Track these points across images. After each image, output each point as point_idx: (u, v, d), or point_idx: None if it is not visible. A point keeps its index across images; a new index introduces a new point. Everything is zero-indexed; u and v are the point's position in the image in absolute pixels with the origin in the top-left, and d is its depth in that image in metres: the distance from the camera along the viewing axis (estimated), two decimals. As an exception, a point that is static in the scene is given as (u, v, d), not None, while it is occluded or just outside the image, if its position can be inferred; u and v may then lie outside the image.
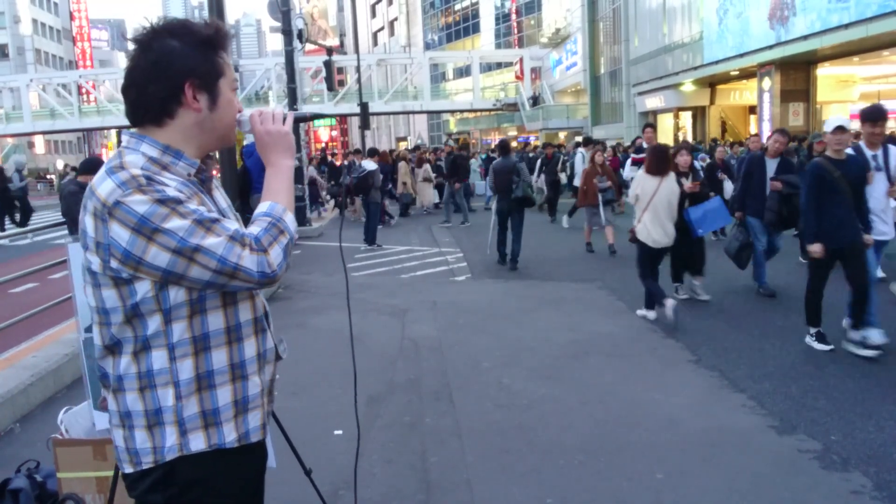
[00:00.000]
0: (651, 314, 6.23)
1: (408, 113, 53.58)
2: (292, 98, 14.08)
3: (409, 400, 4.45)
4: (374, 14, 74.81)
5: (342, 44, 68.41)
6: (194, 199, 1.43)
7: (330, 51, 24.00)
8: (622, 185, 11.30)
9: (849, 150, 5.22)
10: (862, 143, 5.72)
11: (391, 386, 4.71)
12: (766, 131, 20.94)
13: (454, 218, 15.15)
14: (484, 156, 22.25)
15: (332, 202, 19.23)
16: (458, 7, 58.52)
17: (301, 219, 13.51)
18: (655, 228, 6.16)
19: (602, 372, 4.90)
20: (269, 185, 1.57)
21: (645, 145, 10.39)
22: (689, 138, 26.66)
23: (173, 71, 1.46)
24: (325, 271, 9.38)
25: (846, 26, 16.80)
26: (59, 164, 45.24)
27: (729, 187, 10.15)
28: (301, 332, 6.09)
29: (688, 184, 6.60)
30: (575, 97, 41.74)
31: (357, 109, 27.83)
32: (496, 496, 3.20)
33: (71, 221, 5.78)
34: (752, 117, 26.46)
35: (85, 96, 49.33)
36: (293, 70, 14.26)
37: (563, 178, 15.69)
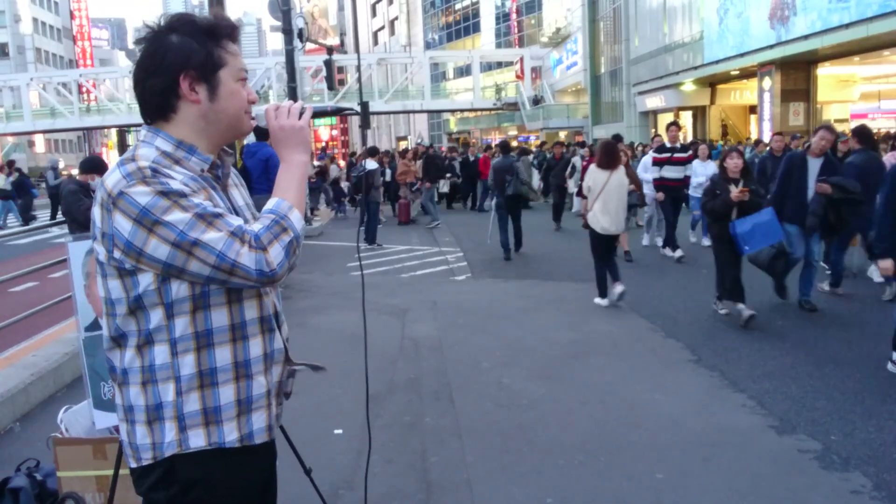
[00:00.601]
0: (604, 302, 6.78)
1: (408, 112, 53.56)
2: (292, 97, 14.10)
3: (409, 399, 4.45)
4: (374, 13, 74.80)
5: (342, 43, 68.40)
6: (201, 193, 1.42)
7: (330, 50, 23.98)
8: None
9: None
10: None
11: (391, 385, 4.71)
12: (767, 131, 20.95)
13: (423, 219, 15.08)
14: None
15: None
16: (458, 6, 58.49)
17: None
18: (604, 217, 6.69)
19: (602, 372, 4.90)
20: (279, 181, 1.54)
21: (667, 144, 9.63)
22: (690, 138, 26.64)
23: (167, 64, 1.46)
24: (325, 271, 9.38)
25: (847, 26, 16.80)
26: (60, 163, 45.24)
27: None
28: (301, 331, 6.09)
29: (735, 191, 5.87)
30: (575, 97, 41.73)
31: (357, 108, 27.83)
32: (496, 496, 3.20)
33: (70, 220, 5.77)
34: (753, 117, 26.47)
35: (85, 95, 49.33)
36: (293, 69, 14.27)
37: (570, 185, 13.54)
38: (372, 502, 3.17)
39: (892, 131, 15.18)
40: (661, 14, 28.26)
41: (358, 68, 28.74)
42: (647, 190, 9.74)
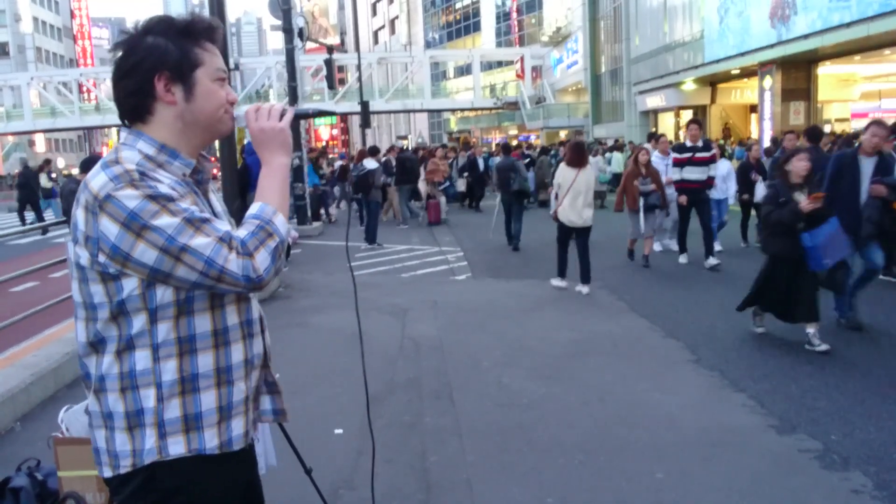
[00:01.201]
0: (563, 283, 7.60)
1: (408, 111, 53.57)
2: (293, 96, 14.09)
3: (409, 399, 4.46)
4: (374, 12, 74.78)
5: (343, 42, 68.42)
6: (188, 197, 1.40)
7: (330, 49, 23.98)
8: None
9: None
10: None
11: (391, 385, 4.71)
12: (767, 130, 20.95)
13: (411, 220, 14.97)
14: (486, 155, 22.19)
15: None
16: (458, 5, 58.48)
17: (302, 218, 13.50)
18: (571, 211, 7.34)
19: (602, 371, 4.90)
20: (262, 185, 1.52)
21: (688, 143, 8.76)
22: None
23: (142, 65, 1.45)
24: (325, 270, 9.38)
25: (847, 25, 16.78)
26: (60, 163, 45.20)
27: (761, 189, 9.08)
28: (302, 330, 6.09)
29: (803, 200, 5.03)
30: (576, 96, 41.72)
31: (358, 108, 27.82)
32: (496, 495, 3.20)
33: (71, 220, 5.78)
34: (753, 116, 26.45)
35: (86, 94, 49.32)
36: (294, 68, 14.26)
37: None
38: (372, 502, 3.18)
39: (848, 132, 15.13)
40: (662, 13, 28.24)
41: (358, 67, 28.75)
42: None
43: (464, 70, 52.86)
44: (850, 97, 22.83)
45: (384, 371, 4.98)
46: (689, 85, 26.94)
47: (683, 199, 8.64)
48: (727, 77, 25.31)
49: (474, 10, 55.98)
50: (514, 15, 50.49)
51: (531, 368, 4.99)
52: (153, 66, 1.45)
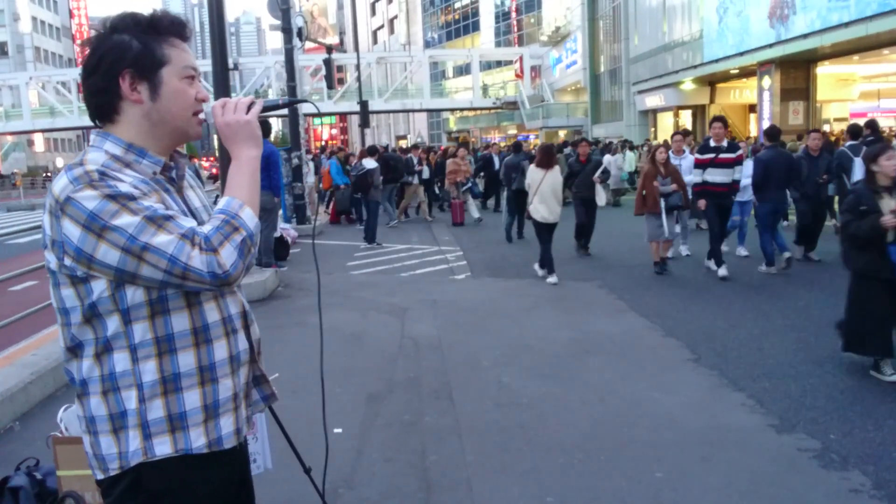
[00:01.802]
0: (553, 279, 8.00)
1: (407, 111, 53.57)
2: (292, 96, 14.09)
3: (408, 399, 4.45)
4: (373, 12, 74.77)
5: (342, 42, 68.42)
6: (152, 196, 1.38)
7: (330, 49, 23.97)
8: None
9: None
10: None
11: (391, 385, 4.71)
12: (766, 130, 20.97)
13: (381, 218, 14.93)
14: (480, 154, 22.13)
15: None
16: (457, 5, 58.50)
17: (301, 217, 13.50)
18: (542, 207, 7.94)
19: (602, 371, 4.90)
20: (230, 179, 1.48)
21: (713, 143, 7.98)
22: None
23: (107, 63, 1.42)
24: (324, 270, 9.37)
25: (846, 25, 16.80)
26: (59, 162, 45.19)
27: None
28: (301, 330, 6.09)
29: (888, 214, 4.24)
30: (575, 95, 41.74)
31: (357, 107, 27.81)
32: (496, 495, 3.20)
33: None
34: (752, 116, 26.47)
35: (84, 94, 49.27)
36: (293, 68, 14.24)
37: (602, 197, 9.97)
38: (372, 501, 3.18)
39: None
40: (661, 13, 28.25)
41: (357, 67, 28.79)
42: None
43: (463, 70, 52.87)
44: (848, 97, 22.87)
45: (384, 370, 4.98)
46: (687, 85, 26.96)
47: (702, 203, 7.91)
48: (726, 77, 25.34)
49: (473, 9, 55.99)
50: (514, 15, 50.51)
51: (531, 368, 4.99)
52: (116, 63, 1.42)
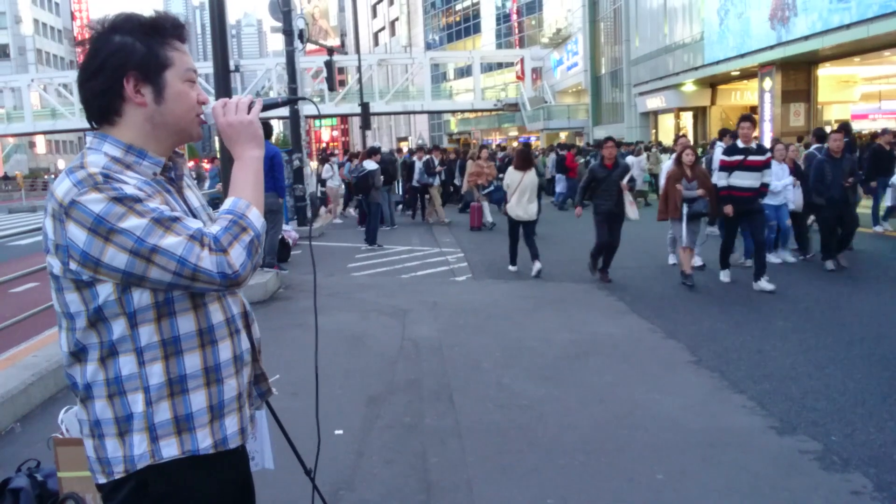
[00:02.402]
0: (513, 268, 8.93)
1: (408, 113, 53.58)
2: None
3: (409, 400, 4.45)
4: (374, 14, 74.82)
5: (343, 44, 68.50)
6: (156, 197, 1.37)
7: (331, 51, 23.97)
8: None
9: None
10: None
11: (391, 386, 4.70)
12: (767, 132, 20.95)
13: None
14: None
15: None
16: (458, 7, 58.51)
17: (302, 219, 13.51)
18: (519, 206, 8.56)
19: (602, 372, 4.90)
20: (234, 179, 1.48)
21: (740, 144, 7.37)
22: (690, 139, 26.63)
23: (110, 65, 1.41)
24: (325, 271, 9.38)
25: (847, 27, 16.80)
26: (61, 164, 45.26)
27: (793, 194, 8.43)
28: (301, 331, 6.09)
29: None
30: (576, 97, 41.73)
31: (358, 109, 27.84)
32: (496, 496, 3.20)
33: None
34: (753, 118, 26.43)
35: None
36: (294, 70, 14.26)
37: (634, 211, 8.10)
38: (372, 503, 3.18)
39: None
40: (662, 15, 28.26)
41: (358, 69, 28.80)
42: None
43: (464, 71, 52.87)
44: (850, 99, 22.85)
45: (384, 372, 4.98)
46: (689, 86, 26.96)
47: (729, 208, 7.29)
48: (727, 78, 25.34)
49: (474, 11, 56.00)
50: (515, 17, 50.51)
51: (531, 369, 4.99)
52: (121, 65, 1.41)
